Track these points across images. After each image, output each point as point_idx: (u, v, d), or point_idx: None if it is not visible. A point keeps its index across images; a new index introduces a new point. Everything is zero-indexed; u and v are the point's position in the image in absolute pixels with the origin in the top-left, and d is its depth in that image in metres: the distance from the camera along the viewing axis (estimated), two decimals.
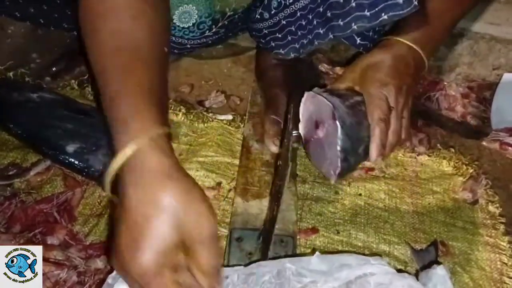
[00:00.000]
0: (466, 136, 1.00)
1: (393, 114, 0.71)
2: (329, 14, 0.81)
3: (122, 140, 0.53)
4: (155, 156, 0.52)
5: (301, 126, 0.79)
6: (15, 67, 1.01)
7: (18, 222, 0.75)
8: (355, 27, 0.77)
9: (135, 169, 0.51)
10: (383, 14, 0.73)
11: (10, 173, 0.82)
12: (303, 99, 0.77)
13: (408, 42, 0.76)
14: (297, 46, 0.92)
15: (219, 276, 0.53)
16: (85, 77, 1.01)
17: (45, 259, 0.69)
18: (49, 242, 0.72)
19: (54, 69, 1.04)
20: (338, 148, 0.69)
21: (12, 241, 0.70)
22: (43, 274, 0.67)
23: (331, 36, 0.83)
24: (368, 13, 0.75)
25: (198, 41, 0.98)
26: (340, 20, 0.79)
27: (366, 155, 0.71)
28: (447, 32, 0.83)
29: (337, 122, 0.68)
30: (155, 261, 0.49)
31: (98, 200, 0.81)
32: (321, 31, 0.85)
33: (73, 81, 1.01)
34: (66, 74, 1.03)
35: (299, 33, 0.90)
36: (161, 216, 0.50)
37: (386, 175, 0.91)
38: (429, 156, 0.95)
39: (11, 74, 1.00)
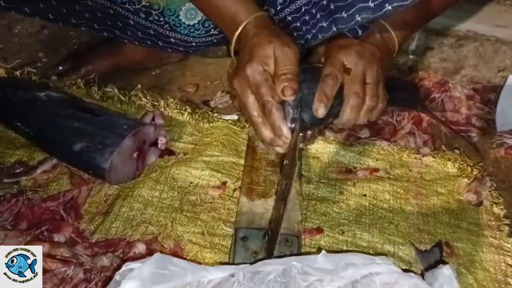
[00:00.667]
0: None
1: (351, 75, 0.72)
2: (332, 7, 0.80)
3: (236, 19, 0.75)
4: (266, 22, 0.76)
5: None
6: (22, 66, 1.02)
7: (25, 219, 0.75)
8: (359, 18, 0.76)
9: (251, 33, 0.74)
10: (387, 5, 0.72)
11: (17, 171, 0.83)
12: None
13: (380, 20, 0.77)
14: (302, 42, 0.92)
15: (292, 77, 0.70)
16: (91, 76, 1.02)
17: (52, 256, 0.70)
18: (55, 239, 0.73)
19: (60, 68, 1.05)
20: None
21: (19, 238, 0.71)
22: (50, 271, 0.68)
23: (334, 29, 0.82)
24: (372, 4, 0.74)
25: (204, 39, 0.99)
26: (343, 12, 0.78)
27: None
28: (422, 18, 0.84)
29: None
30: (260, 64, 0.71)
31: (104, 199, 0.82)
32: (325, 24, 0.84)
33: (79, 80, 1.01)
34: (72, 73, 1.03)
35: (304, 28, 0.90)
36: (266, 47, 0.71)
37: (391, 176, 0.91)
38: (433, 157, 0.95)
39: (18, 73, 1.01)
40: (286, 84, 0.70)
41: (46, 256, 0.69)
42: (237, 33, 0.76)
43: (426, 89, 1.09)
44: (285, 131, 0.70)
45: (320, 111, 0.71)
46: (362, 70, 0.73)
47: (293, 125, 0.72)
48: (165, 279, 0.56)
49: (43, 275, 0.67)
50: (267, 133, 0.72)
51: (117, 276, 0.57)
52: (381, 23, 0.76)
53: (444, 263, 0.64)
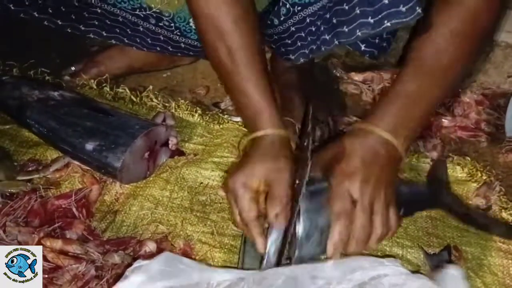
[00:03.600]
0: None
1: (358, 208, 0.65)
2: (334, 21, 0.82)
3: (256, 124, 0.74)
4: (271, 141, 0.74)
5: None
6: (35, 66, 1.03)
7: (38, 216, 0.76)
8: (359, 33, 0.78)
9: (261, 143, 0.74)
10: (386, 22, 0.75)
11: (30, 169, 0.84)
12: None
13: (378, 130, 0.69)
14: (306, 51, 0.93)
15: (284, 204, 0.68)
16: (103, 77, 1.03)
17: (64, 253, 0.71)
18: (68, 236, 0.74)
19: (73, 68, 1.06)
20: (297, 232, 0.67)
21: (32, 235, 0.72)
22: (63, 267, 0.68)
23: (336, 42, 0.84)
24: (371, 20, 0.76)
25: None
26: (345, 26, 0.80)
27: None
28: (426, 116, 0.75)
29: (299, 207, 0.67)
30: (245, 179, 0.70)
31: (115, 197, 0.83)
32: (327, 37, 0.86)
33: (91, 81, 1.03)
34: (84, 74, 1.04)
35: (309, 38, 0.91)
36: (261, 164, 0.71)
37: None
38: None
39: (31, 72, 1.02)
40: (277, 214, 0.67)
41: (58, 252, 0.70)
42: (253, 135, 0.75)
43: None
44: (260, 246, 0.68)
45: (335, 256, 0.65)
46: (370, 201, 0.66)
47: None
48: (173, 276, 0.57)
49: (55, 271, 0.68)
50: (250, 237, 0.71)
51: (127, 273, 0.58)
52: (384, 138, 0.69)
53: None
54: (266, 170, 0.70)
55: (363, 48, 0.94)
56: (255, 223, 0.69)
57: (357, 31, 0.78)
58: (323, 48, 0.88)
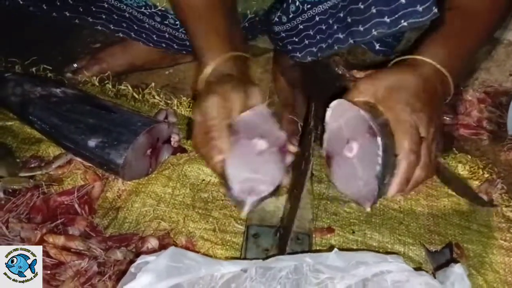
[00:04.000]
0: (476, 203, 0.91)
1: (423, 146, 0.65)
2: (349, 20, 0.82)
3: (206, 58, 0.77)
4: (227, 69, 0.76)
5: (325, 138, 0.74)
6: (37, 63, 1.03)
7: (40, 212, 0.76)
8: (375, 33, 0.78)
9: (214, 76, 0.75)
10: (402, 21, 0.74)
11: (33, 165, 0.84)
12: (331, 106, 0.70)
13: (435, 64, 0.69)
14: (314, 50, 0.93)
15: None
16: (106, 74, 1.03)
17: (67, 249, 0.71)
18: (70, 232, 0.74)
19: (75, 66, 1.06)
20: (378, 168, 0.62)
21: (34, 231, 0.72)
22: (65, 263, 0.69)
23: (351, 41, 0.84)
24: (388, 20, 0.75)
25: None
26: (360, 25, 0.80)
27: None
28: (471, 54, 0.77)
29: (379, 139, 0.62)
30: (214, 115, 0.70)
31: (118, 194, 0.83)
32: (341, 36, 0.86)
33: (94, 78, 1.03)
34: (87, 71, 1.04)
35: (318, 37, 0.91)
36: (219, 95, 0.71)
37: None
38: (444, 159, 0.95)
39: (34, 69, 1.02)
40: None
41: (61, 248, 0.70)
42: (200, 78, 0.78)
43: None
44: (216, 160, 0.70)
45: (397, 196, 0.70)
46: (432, 140, 0.67)
47: None
48: (180, 272, 0.57)
49: (58, 267, 0.69)
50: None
51: (132, 269, 0.58)
52: (440, 71, 0.69)
53: (455, 262, 0.64)
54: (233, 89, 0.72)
55: (377, 47, 0.94)
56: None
57: (373, 30, 0.77)
58: (336, 47, 0.88)
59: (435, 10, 0.71)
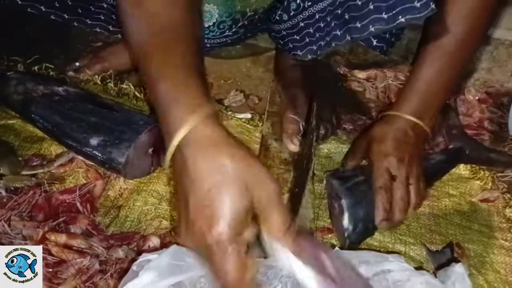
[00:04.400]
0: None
1: (397, 182, 0.75)
2: (347, 16, 0.82)
3: (175, 118, 0.53)
4: (211, 129, 0.52)
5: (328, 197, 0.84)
6: (39, 61, 1.03)
7: (42, 211, 0.77)
8: (372, 29, 0.78)
9: (195, 143, 0.52)
10: (400, 17, 0.75)
11: (35, 163, 0.84)
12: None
13: (405, 116, 0.79)
14: (314, 48, 0.93)
15: (292, 231, 0.54)
16: (108, 73, 1.03)
17: (69, 247, 0.71)
18: (72, 230, 0.74)
19: (77, 64, 1.06)
20: (344, 226, 0.75)
21: (36, 229, 0.72)
22: (67, 261, 0.69)
23: (348, 38, 0.84)
24: (385, 16, 0.76)
25: (218, 40, 1.00)
26: (357, 22, 0.80)
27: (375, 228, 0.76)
28: (447, 92, 0.84)
29: (343, 204, 0.75)
30: (231, 228, 0.50)
31: (119, 193, 0.83)
32: (339, 33, 0.86)
33: (96, 76, 1.03)
34: (89, 69, 1.04)
35: (317, 35, 0.91)
36: (231, 182, 0.50)
37: None
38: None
39: (36, 68, 1.02)
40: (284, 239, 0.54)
41: (63, 246, 0.71)
42: (171, 148, 0.53)
43: None
44: None
45: (385, 227, 0.75)
46: (406, 175, 0.76)
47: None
48: (182, 270, 0.57)
49: (60, 265, 0.69)
50: None
51: (134, 267, 0.58)
52: (411, 121, 0.79)
53: (456, 262, 0.64)
54: (241, 181, 0.50)
55: (375, 43, 0.95)
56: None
57: (370, 26, 0.78)
58: (333, 44, 0.88)
59: (433, 6, 0.72)
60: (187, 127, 0.52)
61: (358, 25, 0.80)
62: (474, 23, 0.78)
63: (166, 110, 0.54)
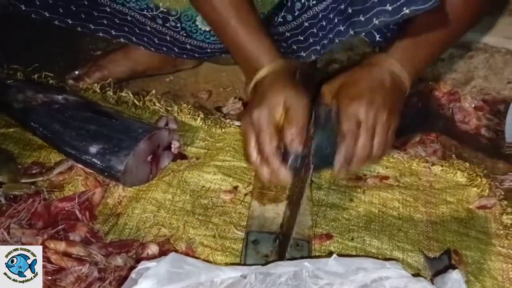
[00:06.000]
0: (478, 150, 1.00)
1: (362, 128, 0.73)
2: (350, 11, 0.81)
3: (257, 64, 0.79)
4: (281, 75, 0.78)
5: None
6: (39, 69, 1.04)
7: (41, 218, 0.77)
8: (376, 22, 0.76)
9: (267, 79, 0.77)
10: (404, 9, 0.73)
11: (34, 171, 0.85)
12: None
13: (388, 64, 0.77)
14: (318, 47, 0.93)
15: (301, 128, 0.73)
16: (107, 81, 1.04)
17: (68, 255, 0.71)
18: (71, 238, 0.74)
19: (77, 72, 1.07)
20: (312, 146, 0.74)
21: (36, 237, 0.72)
22: (66, 269, 0.69)
23: (351, 32, 0.82)
24: (390, 8, 0.74)
25: (218, 45, 1.00)
26: (361, 15, 0.79)
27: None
28: (431, 57, 0.84)
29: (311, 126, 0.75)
30: (269, 111, 0.74)
31: (118, 200, 0.84)
32: (342, 28, 0.85)
33: (95, 85, 1.03)
34: (88, 78, 1.05)
35: (320, 34, 0.91)
36: (280, 93, 0.75)
37: (400, 184, 0.93)
38: (442, 166, 0.96)
39: (35, 76, 1.03)
40: (293, 138, 0.73)
41: (62, 254, 0.71)
42: (256, 77, 0.79)
43: (436, 99, 1.11)
44: (283, 175, 0.73)
45: (341, 173, 0.75)
46: (373, 123, 0.73)
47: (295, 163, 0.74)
48: (181, 278, 0.58)
49: (59, 272, 0.69)
50: (265, 174, 0.74)
51: (133, 274, 0.58)
52: (394, 63, 0.77)
53: (454, 268, 0.65)
54: (286, 97, 0.74)
55: (377, 38, 0.94)
56: (277, 155, 0.72)
57: (374, 19, 0.76)
58: (337, 40, 0.87)
59: None
60: (265, 70, 0.78)
61: (362, 18, 0.78)
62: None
63: (248, 56, 0.80)
